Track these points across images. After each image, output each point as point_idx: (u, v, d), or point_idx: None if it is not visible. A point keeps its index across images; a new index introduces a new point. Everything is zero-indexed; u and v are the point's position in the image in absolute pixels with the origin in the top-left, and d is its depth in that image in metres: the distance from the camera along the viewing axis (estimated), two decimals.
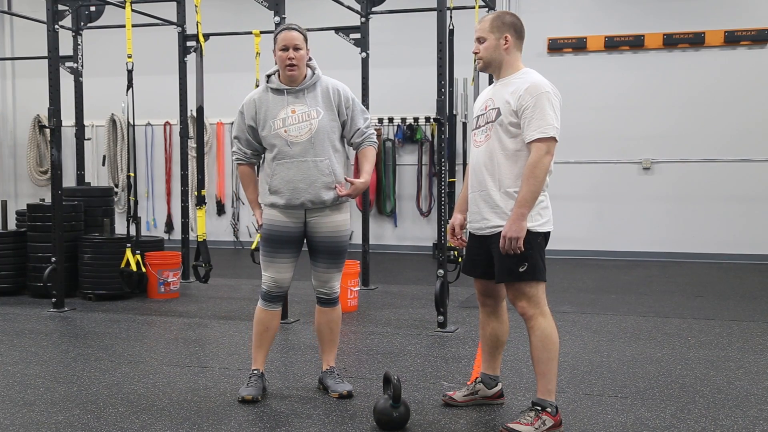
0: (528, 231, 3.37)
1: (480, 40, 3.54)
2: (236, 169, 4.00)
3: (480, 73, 7.23)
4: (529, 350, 3.50)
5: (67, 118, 7.33)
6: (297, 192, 3.79)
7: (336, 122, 3.88)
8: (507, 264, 3.42)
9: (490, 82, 3.73)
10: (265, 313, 3.97)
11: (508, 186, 3.44)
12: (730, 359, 4.71)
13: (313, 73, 3.89)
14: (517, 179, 3.41)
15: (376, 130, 10.03)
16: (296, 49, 3.79)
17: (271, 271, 3.91)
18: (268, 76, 3.91)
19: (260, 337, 4.00)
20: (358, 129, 3.92)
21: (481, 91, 3.98)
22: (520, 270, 3.40)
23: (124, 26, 6.53)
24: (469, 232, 3.69)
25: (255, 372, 3.97)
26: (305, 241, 3.95)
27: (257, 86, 7.03)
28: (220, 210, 10.92)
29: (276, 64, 3.88)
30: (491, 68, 3.57)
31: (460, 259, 6.11)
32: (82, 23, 7.64)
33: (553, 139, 3.36)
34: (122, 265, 6.46)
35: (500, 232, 3.41)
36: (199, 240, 6.77)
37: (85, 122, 8.07)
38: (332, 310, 4.03)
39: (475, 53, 3.57)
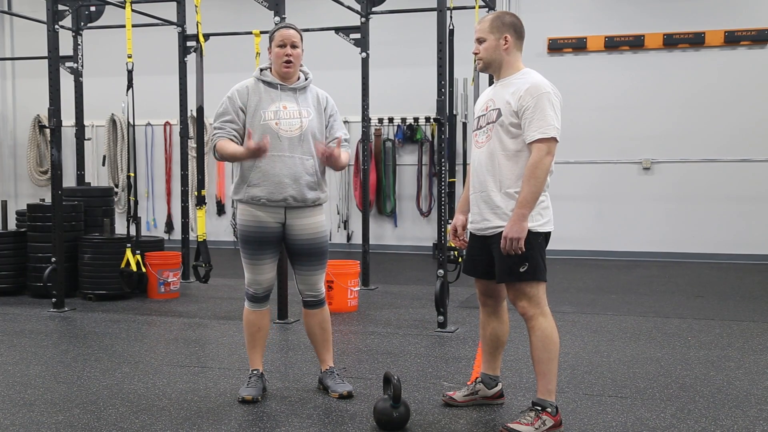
0: (529, 231, 3.37)
1: (480, 41, 3.54)
2: (214, 152, 3.76)
3: (480, 73, 7.22)
4: (530, 350, 3.50)
5: (67, 118, 7.32)
6: (281, 186, 3.76)
7: (323, 127, 3.90)
8: (508, 264, 3.42)
9: (491, 82, 3.73)
10: (254, 314, 3.96)
11: (508, 187, 3.44)
12: (730, 359, 4.71)
13: (306, 78, 3.91)
14: (517, 180, 3.41)
15: (376, 130, 10.06)
16: (293, 46, 3.80)
17: (254, 273, 3.89)
18: (262, 70, 3.90)
19: (253, 338, 3.99)
20: (337, 138, 3.91)
21: (482, 91, 3.98)
22: (521, 270, 3.40)
23: (124, 26, 6.53)
24: (470, 233, 3.69)
25: (255, 372, 3.97)
26: (285, 246, 3.92)
27: None
28: (220, 210, 10.92)
29: (270, 61, 3.88)
30: (491, 69, 3.57)
31: (460, 259, 6.11)
32: (82, 23, 7.65)
33: (554, 140, 3.36)
34: (122, 265, 6.46)
35: (501, 233, 3.41)
36: (199, 240, 6.76)
37: (85, 122, 8.07)
38: (321, 310, 4.02)
39: (475, 54, 3.57)
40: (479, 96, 3.78)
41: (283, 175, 3.76)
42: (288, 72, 3.82)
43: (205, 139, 9.71)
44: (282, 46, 3.80)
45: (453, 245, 4.07)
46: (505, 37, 3.49)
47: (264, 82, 3.86)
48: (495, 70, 3.56)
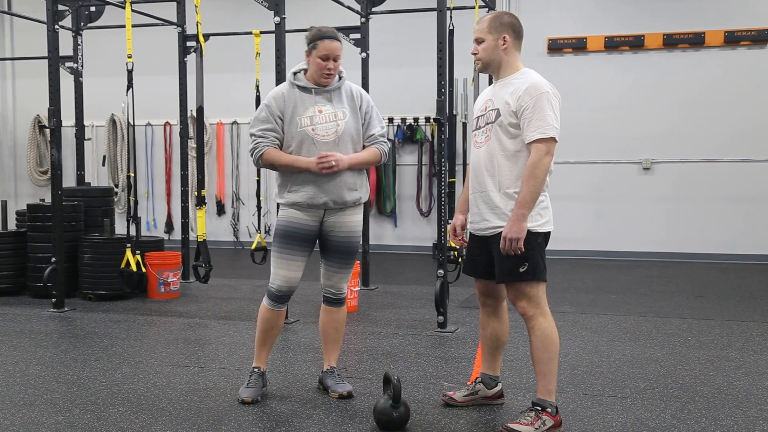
0: (528, 231, 3.37)
1: (478, 41, 3.54)
2: (259, 160, 3.81)
3: (480, 73, 7.22)
4: (530, 350, 3.50)
5: (67, 118, 7.32)
6: (320, 191, 3.77)
7: (360, 125, 3.89)
8: (507, 264, 3.42)
9: (491, 82, 3.72)
10: (272, 312, 3.95)
11: (507, 187, 3.44)
12: (730, 359, 4.71)
13: (340, 78, 3.91)
14: (517, 180, 3.41)
15: None
16: (336, 59, 3.80)
17: (285, 270, 3.86)
18: (295, 74, 3.88)
19: (266, 336, 3.98)
20: (372, 134, 3.93)
21: (482, 91, 3.98)
22: (521, 270, 3.40)
23: (124, 26, 6.52)
24: (470, 233, 3.69)
25: (256, 370, 3.96)
26: (319, 240, 3.93)
27: (257, 86, 7.05)
28: (220, 210, 10.92)
29: (306, 64, 3.85)
30: (490, 69, 3.56)
31: (460, 259, 6.11)
32: (82, 23, 7.64)
33: (553, 140, 3.36)
34: (122, 266, 6.46)
35: (500, 233, 3.41)
36: (199, 240, 6.76)
37: (85, 122, 8.07)
38: (338, 310, 4.04)
39: (474, 54, 3.56)
40: (479, 96, 3.78)
41: (322, 181, 3.77)
42: (327, 83, 3.83)
43: (205, 138, 9.73)
44: (325, 59, 3.77)
45: (453, 245, 4.06)
46: (504, 38, 3.48)
47: (299, 87, 3.85)
48: (494, 70, 3.56)
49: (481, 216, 3.53)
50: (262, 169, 7.53)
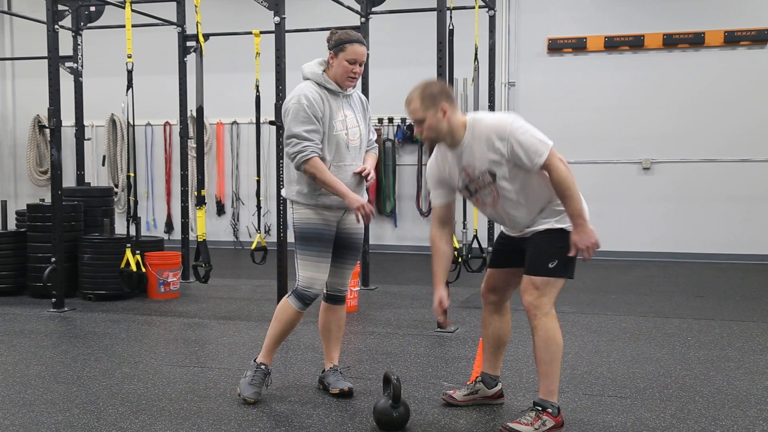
0: (561, 230, 3.42)
1: (419, 122, 3.47)
2: (302, 165, 3.73)
3: (478, 73, 7.23)
4: (533, 350, 3.50)
5: (67, 118, 7.32)
6: None
7: (366, 131, 4.00)
8: (539, 258, 3.43)
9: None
10: (298, 315, 3.91)
11: (543, 206, 3.46)
12: (730, 359, 4.71)
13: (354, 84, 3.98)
14: (550, 197, 3.42)
15: (376, 130, 10.06)
16: (361, 64, 3.85)
17: (319, 271, 3.85)
18: (323, 74, 3.85)
19: (283, 336, 3.97)
20: (371, 139, 4.05)
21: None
22: (550, 266, 3.42)
23: (124, 26, 6.53)
24: (502, 233, 3.71)
25: (263, 367, 3.93)
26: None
27: (257, 86, 7.06)
28: (220, 210, 10.92)
29: (329, 65, 3.84)
30: (441, 140, 3.49)
31: (459, 260, 6.11)
32: (82, 23, 7.65)
33: (551, 148, 3.35)
34: (122, 265, 6.46)
35: (540, 231, 3.44)
36: (198, 240, 6.76)
37: (85, 122, 8.07)
38: (341, 307, 4.08)
39: (420, 134, 3.49)
40: (434, 168, 3.60)
41: (352, 184, 3.83)
42: (349, 86, 3.87)
43: (205, 138, 9.72)
44: (353, 62, 3.81)
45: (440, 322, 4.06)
46: (442, 108, 3.41)
47: (328, 89, 3.84)
48: (445, 138, 3.47)
49: (526, 230, 3.53)
50: (261, 169, 7.55)
